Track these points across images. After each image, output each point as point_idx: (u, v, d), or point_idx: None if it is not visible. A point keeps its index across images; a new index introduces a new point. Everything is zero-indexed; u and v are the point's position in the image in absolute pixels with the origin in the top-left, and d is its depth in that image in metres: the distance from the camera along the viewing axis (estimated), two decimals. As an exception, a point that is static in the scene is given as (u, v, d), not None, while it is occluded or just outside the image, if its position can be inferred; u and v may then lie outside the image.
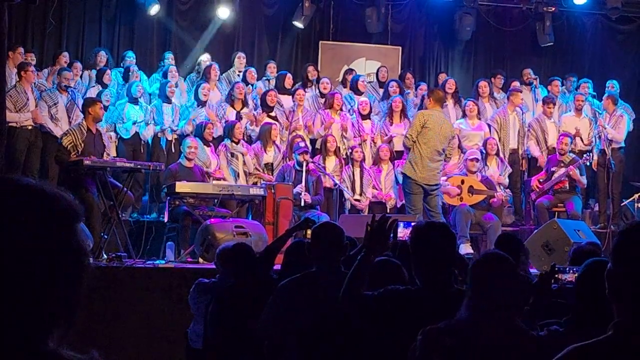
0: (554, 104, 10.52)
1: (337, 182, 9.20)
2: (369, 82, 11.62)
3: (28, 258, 1.15)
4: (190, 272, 6.72)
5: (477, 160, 9.17)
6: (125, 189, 7.79)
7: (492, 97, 10.99)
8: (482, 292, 2.80)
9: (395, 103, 10.05)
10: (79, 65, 10.32)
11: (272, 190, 8.25)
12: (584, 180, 9.51)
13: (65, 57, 10.41)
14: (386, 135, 9.96)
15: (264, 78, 11.19)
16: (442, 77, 11.65)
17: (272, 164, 9.49)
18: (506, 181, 9.78)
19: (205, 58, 11.05)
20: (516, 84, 11.29)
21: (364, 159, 9.64)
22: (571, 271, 3.69)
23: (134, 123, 9.51)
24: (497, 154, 9.77)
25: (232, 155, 9.34)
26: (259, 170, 9.40)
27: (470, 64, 13.31)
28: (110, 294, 6.54)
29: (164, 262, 7.58)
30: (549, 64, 13.11)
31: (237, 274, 4.65)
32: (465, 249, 8.35)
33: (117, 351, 6.25)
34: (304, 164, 8.78)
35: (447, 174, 9.26)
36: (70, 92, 9.14)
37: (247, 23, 12.50)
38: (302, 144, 9.13)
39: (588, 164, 9.84)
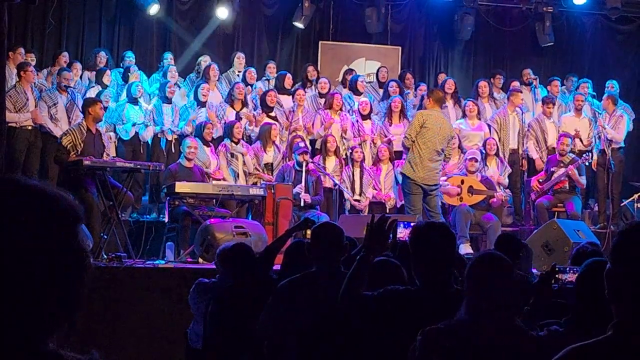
0: (554, 104, 10.53)
1: (337, 182, 9.20)
2: (369, 83, 11.63)
3: (28, 258, 1.15)
4: (190, 272, 6.71)
5: (476, 160, 9.17)
6: (125, 189, 7.78)
7: (491, 97, 10.99)
8: (480, 292, 2.80)
9: (395, 103, 10.05)
10: (78, 65, 10.32)
11: (272, 191, 8.24)
12: (583, 180, 9.51)
13: (65, 57, 10.42)
14: (385, 136, 9.96)
15: (264, 78, 11.19)
16: (442, 77, 11.65)
17: (271, 164, 9.49)
18: (506, 181, 9.79)
19: (205, 58, 11.05)
20: (516, 84, 11.29)
21: (363, 159, 9.64)
22: (571, 271, 3.70)
23: (134, 125, 9.51)
24: (497, 154, 9.77)
25: (232, 155, 9.34)
26: (259, 171, 9.40)
27: (470, 64, 13.31)
28: (110, 294, 6.54)
29: (163, 262, 7.58)
30: (549, 64, 13.11)
31: (237, 274, 4.65)
32: (465, 249, 8.36)
33: (117, 351, 6.25)
34: (304, 164, 8.78)
35: (447, 174, 9.26)
36: (69, 93, 9.14)
37: (247, 23, 12.51)
38: (301, 144, 9.13)
39: (587, 164, 9.84)
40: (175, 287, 6.69)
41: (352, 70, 11.80)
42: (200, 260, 7.52)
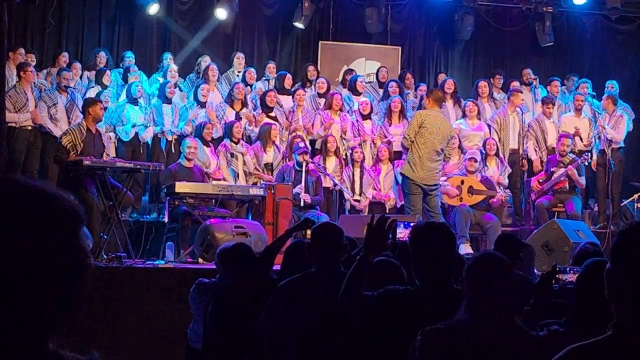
0: (553, 104, 10.53)
1: (337, 182, 9.20)
2: (369, 83, 11.63)
3: (28, 258, 1.15)
4: (190, 272, 6.72)
5: (475, 160, 9.16)
6: (125, 189, 7.78)
7: (491, 97, 10.99)
8: (479, 292, 2.81)
9: (394, 103, 10.04)
10: (78, 65, 10.31)
11: (272, 191, 8.24)
12: (582, 180, 9.51)
13: (64, 57, 10.42)
14: (385, 137, 9.95)
15: (264, 78, 11.19)
16: (442, 77, 11.66)
17: (271, 164, 9.49)
18: (506, 181, 9.79)
19: (205, 59, 11.05)
20: (516, 84, 11.30)
21: (363, 160, 9.64)
22: (572, 271, 3.69)
23: (133, 126, 9.51)
24: (497, 154, 9.77)
25: (232, 155, 9.34)
26: (259, 171, 9.40)
27: (470, 64, 13.32)
28: (110, 294, 6.54)
29: (163, 262, 7.58)
30: (549, 64, 13.12)
31: (237, 274, 4.65)
32: (465, 249, 8.36)
33: (117, 351, 6.25)
34: (304, 164, 8.78)
35: (447, 174, 9.26)
36: (69, 93, 9.14)
37: (247, 23, 12.51)
38: (301, 144, 9.13)
39: (587, 164, 9.84)
40: (175, 287, 6.69)
41: (352, 70, 11.80)
42: (200, 260, 7.52)
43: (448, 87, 10.68)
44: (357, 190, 9.48)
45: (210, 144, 9.35)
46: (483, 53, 13.31)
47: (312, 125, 9.97)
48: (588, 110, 10.52)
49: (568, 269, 3.84)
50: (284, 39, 12.70)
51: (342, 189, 9.28)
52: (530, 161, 10.28)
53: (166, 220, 8.20)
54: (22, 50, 9.93)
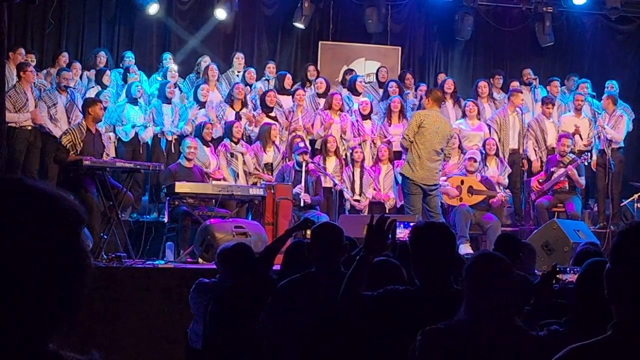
0: (553, 105, 10.53)
1: (337, 182, 9.20)
2: (369, 83, 11.62)
3: (28, 258, 1.15)
4: (190, 273, 6.71)
5: (475, 160, 9.16)
6: (124, 189, 7.79)
7: (491, 97, 10.99)
8: (478, 292, 2.81)
9: (394, 103, 10.04)
10: (78, 65, 10.31)
11: (272, 191, 8.24)
12: (582, 180, 9.51)
13: (64, 58, 10.42)
14: (385, 137, 9.95)
15: (263, 78, 11.19)
16: (442, 77, 11.66)
17: (271, 164, 9.49)
18: (506, 181, 9.79)
19: (205, 59, 11.05)
20: (515, 84, 11.30)
21: (363, 159, 9.64)
22: (572, 271, 3.70)
23: (133, 126, 9.51)
24: (497, 154, 9.77)
25: (232, 155, 9.34)
26: (259, 171, 9.40)
27: (469, 64, 13.32)
28: (110, 294, 6.53)
29: (163, 262, 7.58)
30: (549, 64, 13.12)
31: (237, 274, 4.65)
32: (465, 249, 8.36)
33: (117, 351, 6.25)
34: (304, 164, 8.78)
35: (447, 174, 9.26)
36: (69, 93, 9.14)
37: (247, 23, 12.51)
38: (301, 144, 9.12)
39: (587, 163, 9.85)
40: (175, 287, 6.69)
41: (351, 70, 11.81)
42: (200, 260, 7.52)
43: (448, 87, 10.68)
44: (357, 190, 9.48)
45: (210, 144, 9.35)
46: (483, 53, 13.31)
47: (312, 125, 9.97)
48: (588, 110, 10.53)
49: (568, 269, 3.84)
50: (284, 39, 12.70)
51: (342, 189, 9.28)
52: (529, 161, 10.29)
53: (166, 220, 8.20)
54: (22, 51, 9.93)
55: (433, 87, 10.50)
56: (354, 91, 10.75)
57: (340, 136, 9.85)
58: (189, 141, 8.78)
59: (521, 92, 10.51)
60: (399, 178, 8.94)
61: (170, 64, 10.79)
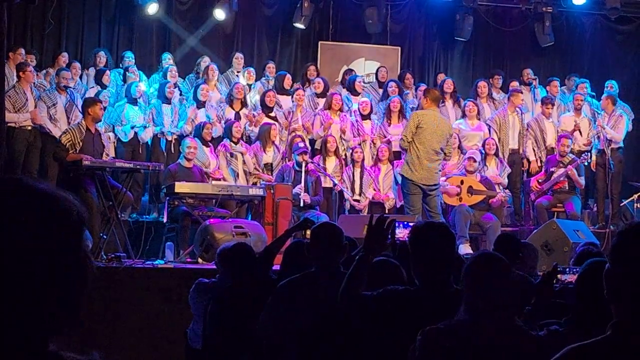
0: (553, 105, 10.53)
1: (337, 182, 9.20)
2: (368, 83, 11.62)
3: (28, 258, 1.15)
4: (190, 273, 6.72)
5: (474, 160, 9.16)
6: (124, 189, 7.79)
7: (490, 97, 10.99)
8: (478, 292, 2.81)
9: (394, 103, 10.04)
10: (77, 65, 10.31)
11: (272, 191, 8.24)
12: (582, 180, 9.51)
13: (64, 58, 10.42)
14: (384, 137, 9.95)
15: (263, 78, 11.19)
16: (441, 77, 11.66)
17: (271, 164, 9.49)
18: (505, 181, 9.79)
19: (204, 59, 11.05)
20: (515, 84, 11.30)
21: (364, 159, 9.64)
22: (571, 272, 3.70)
23: (132, 127, 9.51)
24: (496, 154, 9.77)
25: (232, 155, 9.34)
26: (258, 171, 9.40)
27: (469, 64, 13.32)
28: (110, 294, 6.54)
29: (163, 262, 7.58)
30: (548, 64, 13.12)
31: (236, 274, 4.65)
32: (465, 249, 8.36)
33: (117, 351, 6.25)
34: (303, 165, 8.78)
35: (447, 174, 9.26)
36: (69, 93, 9.15)
37: (247, 23, 12.51)
38: (301, 144, 9.12)
39: (586, 163, 9.85)
40: (175, 287, 6.69)
41: (351, 70, 11.81)
42: (200, 260, 7.52)
43: (447, 87, 10.68)
44: (357, 190, 9.48)
45: (210, 144, 9.35)
46: (483, 53, 13.31)
47: (312, 125, 9.98)
48: (587, 110, 10.53)
49: (568, 269, 3.85)
50: (284, 39, 12.70)
51: (342, 189, 9.28)
52: (529, 161, 10.29)
53: (165, 220, 8.19)
54: (22, 51, 9.93)
55: (430, 87, 10.48)
56: (353, 91, 10.75)
57: (340, 136, 9.85)
58: (189, 141, 8.78)
59: (521, 92, 10.52)
60: (399, 178, 8.93)
61: (170, 64, 10.78)
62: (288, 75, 10.85)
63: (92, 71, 10.53)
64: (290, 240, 4.94)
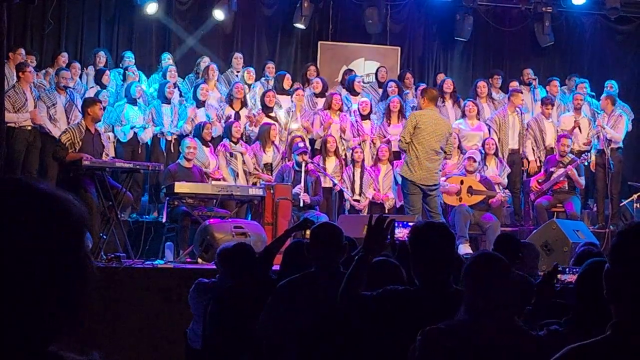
0: (552, 105, 10.53)
1: (337, 182, 9.20)
2: (368, 83, 11.62)
3: (28, 258, 1.15)
4: (189, 273, 6.72)
5: (474, 160, 9.16)
6: (124, 189, 7.79)
7: (490, 97, 10.99)
8: (478, 292, 2.81)
9: (393, 103, 10.03)
10: (77, 65, 10.31)
11: (271, 191, 8.24)
12: (582, 180, 9.52)
13: (64, 57, 10.42)
14: (384, 137, 9.94)
15: (263, 78, 11.19)
16: (441, 77, 11.66)
17: (271, 164, 9.49)
18: (505, 181, 9.79)
19: (204, 59, 11.06)
20: (515, 84, 11.30)
21: (364, 159, 9.64)
22: (571, 272, 3.70)
23: (132, 128, 9.51)
24: (496, 154, 9.77)
25: (231, 155, 9.34)
26: (258, 171, 9.40)
27: (469, 64, 13.32)
28: (110, 294, 6.54)
29: (163, 262, 7.58)
30: (548, 64, 13.12)
31: (236, 274, 4.65)
32: (465, 249, 8.35)
33: (117, 351, 6.25)
34: (303, 165, 8.78)
35: (447, 174, 9.26)
36: (68, 93, 9.15)
37: (247, 23, 12.51)
38: (301, 144, 9.12)
39: (586, 163, 9.85)
40: (175, 287, 6.69)
41: (351, 70, 11.80)
42: (200, 260, 7.52)
43: (447, 87, 10.68)
44: (357, 191, 9.48)
45: (210, 144, 9.35)
46: (482, 53, 13.32)
47: (312, 124, 9.98)
48: (587, 110, 10.53)
49: (567, 269, 3.84)
50: (284, 39, 12.70)
51: (342, 189, 9.28)
52: (529, 161, 10.29)
53: (164, 220, 8.19)
54: (22, 51, 9.93)
55: (427, 86, 10.45)
56: (352, 91, 10.75)
57: (340, 136, 9.85)
58: (188, 141, 8.78)
59: (521, 92, 10.52)
60: (399, 178, 8.93)
61: (170, 63, 10.78)
62: (288, 75, 10.84)
63: (91, 71, 10.53)
64: (290, 240, 4.94)
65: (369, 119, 10.13)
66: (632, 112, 10.84)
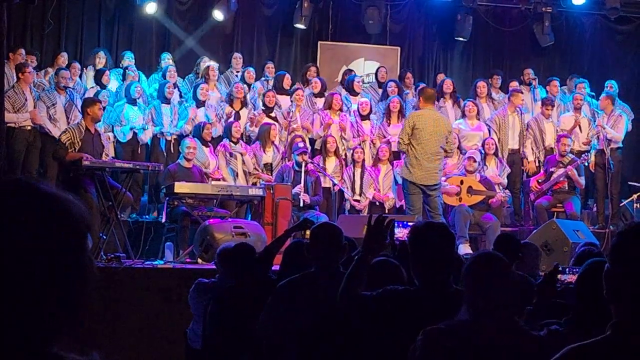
0: (552, 106, 10.53)
1: (337, 182, 9.20)
2: (368, 83, 11.62)
3: (28, 258, 1.15)
4: (189, 273, 6.72)
5: (474, 160, 9.16)
6: (124, 189, 7.79)
7: (489, 97, 10.99)
8: (478, 291, 2.81)
9: (393, 104, 10.03)
10: (77, 65, 10.31)
11: (271, 191, 8.24)
12: (582, 180, 9.52)
13: (63, 57, 10.42)
14: (384, 137, 9.94)
15: (263, 78, 11.19)
16: (441, 77, 11.66)
17: (271, 164, 9.49)
18: (505, 182, 9.79)
19: (204, 60, 11.06)
20: (515, 84, 11.30)
21: (363, 160, 9.63)
22: (571, 272, 3.70)
23: (131, 128, 9.51)
24: (496, 154, 9.77)
25: (231, 155, 9.34)
26: (258, 171, 9.40)
27: (469, 64, 13.32)
28: (110, 294, 6.54)
29: (162, 262, 7.58)
30: (548, 64, 13.13)
31: (237, 274, 4.65)
32: (464, 249, 8.35)
33: (117, 351, 6.25)
34: (303, 165, 8.78)
35: (447, 174, 9.26)
36: (68, 93, 9.15)
37: (247, 23, 12.52)
38: (301, 144, 9.12)
39: (586, 164, 9.85)
40: (175, 287, 6.69)
41: (351, 70, 11.80)
42: (199, 260, 7.52)
43: (447, 87, 10.68)
44: (357, 191, 9.48)
45: (210, 144, 9.35)
46: (482, 53, 13.32)
47: (312, 124, 9.98)
48: (587, 110, 10.53)
49: (567, 269, 3.85)
50: (283, 39, 12.70)
51: (342, 189, 9.28)
52: (528, 161, 10.29)
53: (164, 220, 8.19)
54: (22, 51, 9.93)
55: (425, 86, 10.44)
56: (352, 91, 10.75)
57: (340, 136, 9.85)
58: (188, 141, 8.78)
59: (521, 92, 10.52)
60: (399, 178, 8.93)
61: (170, 63, 10.78)
62: (287, 75, 10.85)
63: (91, 71, 10.53)
64: (290, 240, 4.94)
65: (369, 119, 10.13)
66: (632, 112, 10.83)
